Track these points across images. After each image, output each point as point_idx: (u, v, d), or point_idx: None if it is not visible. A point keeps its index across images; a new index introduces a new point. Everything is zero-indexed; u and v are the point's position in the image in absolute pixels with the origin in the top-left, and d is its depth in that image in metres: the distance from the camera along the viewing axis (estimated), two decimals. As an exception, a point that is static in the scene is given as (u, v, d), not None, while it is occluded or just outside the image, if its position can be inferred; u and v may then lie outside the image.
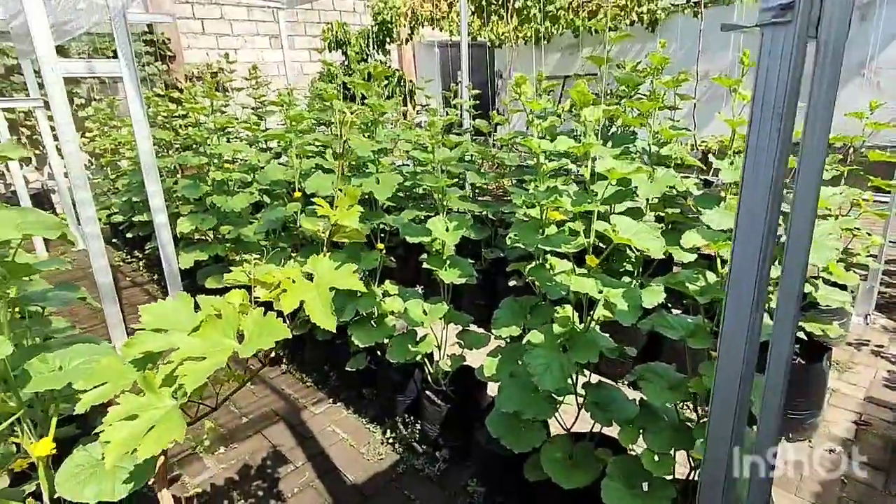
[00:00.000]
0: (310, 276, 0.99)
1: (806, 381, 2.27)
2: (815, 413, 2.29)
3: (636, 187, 2.28)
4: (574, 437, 1.80)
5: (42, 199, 6.70)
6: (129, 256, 5.25)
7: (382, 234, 2.50)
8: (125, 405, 0.88)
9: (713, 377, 0.82)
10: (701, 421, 1.49)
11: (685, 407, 1.99)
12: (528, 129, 1.99)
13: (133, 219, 4.55)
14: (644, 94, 3.32)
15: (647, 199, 2.51)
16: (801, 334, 2.27)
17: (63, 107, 2.85)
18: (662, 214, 2.65)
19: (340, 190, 1.39)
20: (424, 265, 2.19)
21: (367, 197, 2.38)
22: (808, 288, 2.25)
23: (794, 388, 2.24)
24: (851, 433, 2.32)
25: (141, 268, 4.97)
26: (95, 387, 0.97)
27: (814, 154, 0.80)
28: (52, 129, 6.95)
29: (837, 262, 2.55)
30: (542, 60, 8.42)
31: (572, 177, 2.53)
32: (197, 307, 1.05)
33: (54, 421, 1.06)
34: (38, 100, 5.33)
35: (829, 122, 0.80)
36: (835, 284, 2.55)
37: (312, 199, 2.48)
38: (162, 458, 0.95)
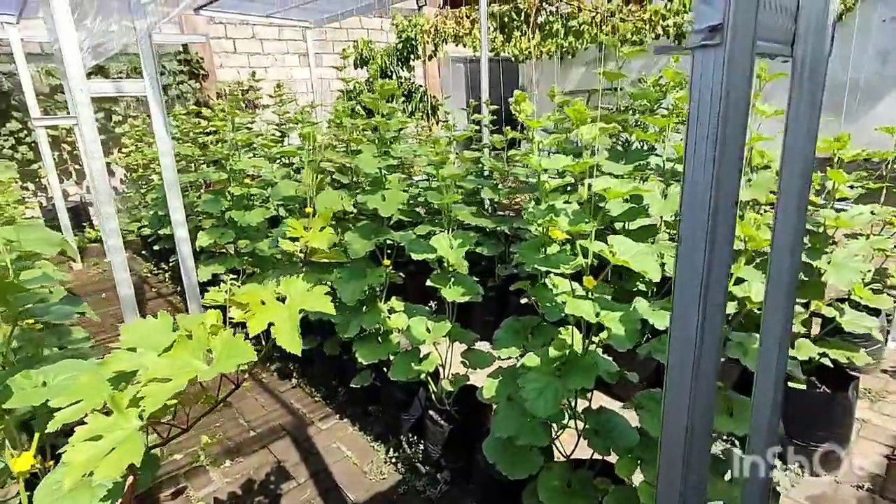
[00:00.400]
0: (284, 298, 0.99)
1: (830, 412, 2.14)
2: (841, 445, 2.15)
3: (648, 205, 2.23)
4: (574, 463, 1.74)
5: (80, 212, 6.98)
6: (156, 268, 5.41)
7: (390, 251, 2.50)
8: (92, 425, 0.89)
9: (663, 398, 0.77)
10: (704, 453, 1.41)
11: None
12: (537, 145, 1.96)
13: (159, 232, 4.69)
14: (667, 109, 3.26)
15: (662, 217, 2.43)
16: (825, 361, 2.14)
17: (90, 125, 2.97)
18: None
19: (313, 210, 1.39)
20: (428, 283, 2.17)
21: (375, 212, 2.39)
22: (832, 312, 2.13)
23: (817, 418, 2.12)
24: (882, 468, 2.17)
25: (166, 279, 5.11)
26: (71, 404, 0.98)
27: (795, 166, 0.75)
28: (92, 144, 7.28)
29: (868, 284, 2.41)
30: (567, 75, 8.38)
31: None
32: (176, 327, 1.06)
33: (37, 436, 1.07)
34: (74, 118, 5.59)
35: (812, 141, 0.75)
36: (867, 308, 2.42)
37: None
38: (131, 478, 0.95)
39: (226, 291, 1.05)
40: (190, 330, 0.95)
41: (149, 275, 5.35)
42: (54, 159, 5.81)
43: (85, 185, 7.40)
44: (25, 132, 6.68)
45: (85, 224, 6.91)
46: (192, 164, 4.56)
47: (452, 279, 2.21)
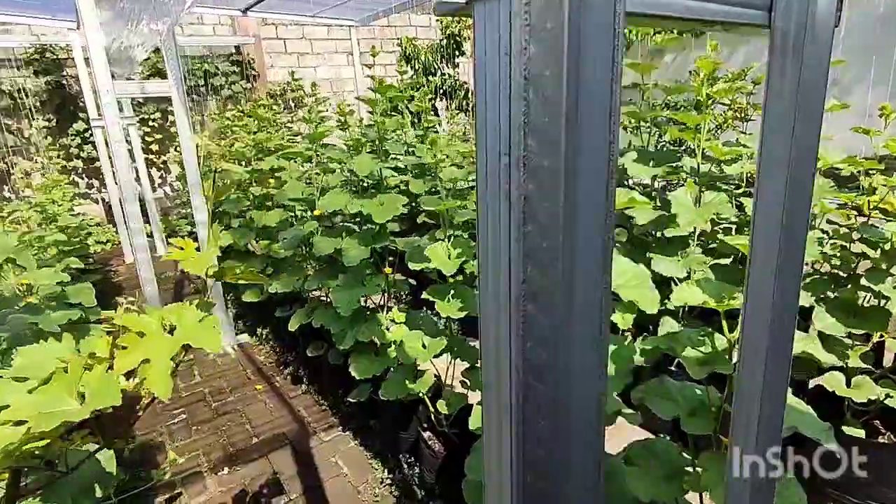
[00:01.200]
0: (173, 328, 0.86)
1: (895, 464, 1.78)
2: (907, 506, 1.80)
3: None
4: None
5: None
6: (197, 264, 5.56)
7: (392, 258, 2.35)
8: (-55, 467, 0.79)
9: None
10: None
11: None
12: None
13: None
14: (726, 104, 2.95)
15: (695, 228, 2.14)
16: (890, 402, 1.79)
17: (116, 126, 3.02)
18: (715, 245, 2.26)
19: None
20: (423, 295, 2.01)
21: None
22: (899, 346, 1.78)
23: (879, 471, 1.77)
24: (962, 538, 1.79)
25: (205, 275, 5.23)
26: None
27: (775, 178, 0.53)
28: (148, 143, 7.63)
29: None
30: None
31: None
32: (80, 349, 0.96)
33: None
34: (132, 118, 5.83)
35: (809, 150, 0.52)
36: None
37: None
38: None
39: (129, 311, 0.93)
40: (67, 361, 0.84)
41: (190, 270, 5.50)
42: (110, 157, 6.11)
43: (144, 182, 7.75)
44: (90, 132, 7.07)
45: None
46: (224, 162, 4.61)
47: (452, 291, 2.03)
